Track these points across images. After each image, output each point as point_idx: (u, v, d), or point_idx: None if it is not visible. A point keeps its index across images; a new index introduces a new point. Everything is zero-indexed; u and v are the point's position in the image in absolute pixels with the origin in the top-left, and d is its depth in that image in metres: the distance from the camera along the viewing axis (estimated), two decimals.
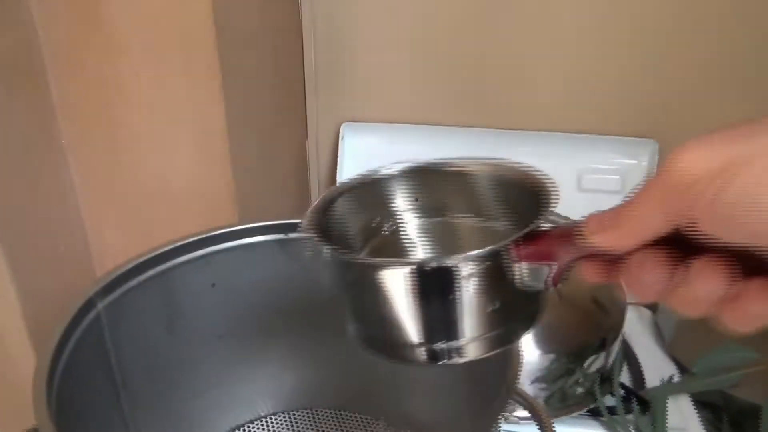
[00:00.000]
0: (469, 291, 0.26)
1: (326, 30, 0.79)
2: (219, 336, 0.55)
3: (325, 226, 0.32)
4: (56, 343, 0.41)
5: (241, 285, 0.54)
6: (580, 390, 0.68)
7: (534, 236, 0.27)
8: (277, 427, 0.62)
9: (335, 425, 0.62)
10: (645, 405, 0.65)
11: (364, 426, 0.62)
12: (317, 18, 0.78)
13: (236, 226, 0.53)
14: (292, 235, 0.54)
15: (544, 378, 0.71)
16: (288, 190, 0.83)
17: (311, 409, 0.63)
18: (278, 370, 0.60)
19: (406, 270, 0.27)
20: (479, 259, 0.26)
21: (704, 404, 0.69)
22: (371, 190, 0.35)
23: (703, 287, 0.21)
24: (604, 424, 0.64)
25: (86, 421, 0.44)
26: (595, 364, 0.66)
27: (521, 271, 0.27)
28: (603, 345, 0.65)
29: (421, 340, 0.28)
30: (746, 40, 0.72)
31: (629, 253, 0.23)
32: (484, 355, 0.28)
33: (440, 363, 0.28)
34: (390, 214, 0.36)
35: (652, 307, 0.82)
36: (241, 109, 0.64)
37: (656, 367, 0.71)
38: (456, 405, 0.50)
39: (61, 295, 0.62)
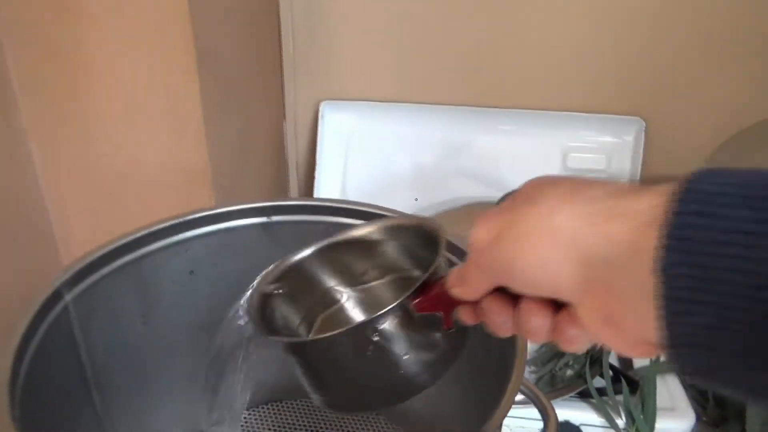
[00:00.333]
0: (381, 347, 0.31)
1: (304, 5, 0.75)
2: (197, 326, 0.52)
3: (269, 316, 0.37)
4: (20, 340, 0.37)
5: (222, 272, 0.51)
6: (569, 372, 0.67)
7: (425, 289, 0.31)
8: (261, 420, 0.60)
9: (320, 417, 0.60)
10: (634, 385, 0.64)
11: (358, 417, 0.60)
12: None
13: (215, 209, 0.50)
14: (275, 218, 0.51)
15: (534, 361, 0.69)
16: (265, 172, 0.80)
17: (297, 400, 0.61)
18: (262, 361, 0.57)
19: (329, 339, 0.31)
20: (378, 319, 0.30)
21: (691, 383, 0.68)
22: (297, 276, 0.40)
23: (533, 323, 0.26)
24: (594, 406, 0.63)
25: (56, 423, 0.41)
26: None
27: (419, 321, 0.31)
28: None
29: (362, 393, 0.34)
30: (732, 18, 0.71)
31: (480, 301, 0.28)
32: (412, 396, 0.33)
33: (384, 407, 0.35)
34: (322, 293, 0.41)
35: None
36: (217, 87, 0.60)
37: None
38: (456, 400, 0.48)
39: (22, 286, 0.58)
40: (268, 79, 0.78)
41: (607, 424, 0.62)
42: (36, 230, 0.61)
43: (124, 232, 0.46)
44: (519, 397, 0.53)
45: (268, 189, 0.81)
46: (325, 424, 0.59)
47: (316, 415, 0.60)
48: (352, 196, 0.82)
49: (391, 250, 0.39)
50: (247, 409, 0.60)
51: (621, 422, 0.62)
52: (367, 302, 0.41)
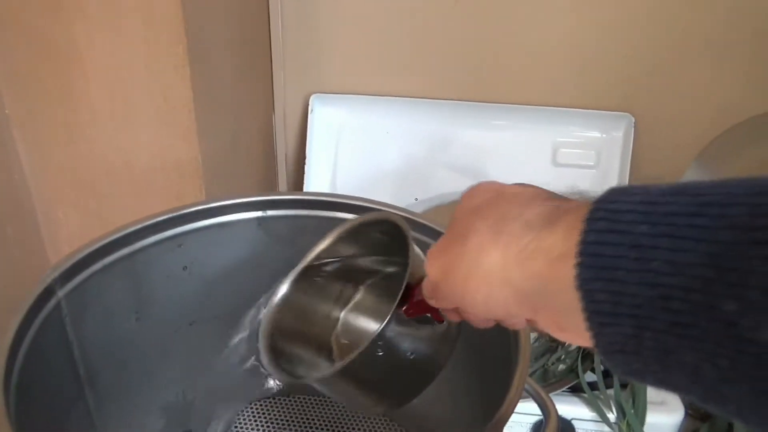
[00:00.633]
0: (389, 353, 0.33)
1: None
2: (190, 323, 0.51)
3: (286, 359, 0.39)
4: (12, 338, 0.36)
5: (216, 267, 0.50)
6: (561, 367, 0.67)
7: (409, 293, 0.32)
8: (255, 417, 0.59)
9: (318, 413, 0.59)
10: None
11: (359, 417, 0.59)
12: None
13: (209, 203, 0.49)
14: (270, 213, 0.50)
15: None
16: (255, 165, 0.79)
17: (290, 397, 0.60)
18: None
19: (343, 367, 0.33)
20: (379, 336, 0.32)
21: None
22: (290, 316, 0.40)
23: (506, 323, 0.28)
24: (586, 400, 0.64)
25: (49, 421, 0.40)
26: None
27: (414, 321, 0.33)
28: None
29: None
30: (721, 16, 0.71)
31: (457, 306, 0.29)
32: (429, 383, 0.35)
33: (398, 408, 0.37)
34: (322, 319, 0.42)
35: None
36: (208, 80, 0.59)
37: None
38: (459, 399, 0.48)
39: (9, 285, 0.56)
40: (257, 72, 0.76)
41: (598, 418, 0.63)
42: (23, 228, 0.60)
43: (114, 228, 0.45)
44: None
45: (257, 183, 0.80)
46: (325, 421, 0.59)
47: (313, 412, 0.60)
48: (342, 190, 0.81)
49: (360, 253, 0.40)
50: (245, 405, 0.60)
51: (612, 416, 0.63)
52: (363, 312, 0.42)
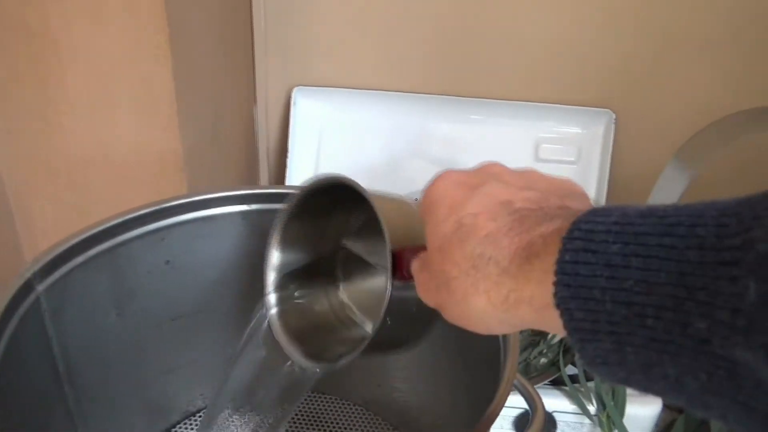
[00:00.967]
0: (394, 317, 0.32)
1: None
2: (173, 318, 0.50)
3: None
4: None
5: (199, 262, 0.49)
6: (543, 361, 0.68)
7: (398, 263, 0.31)
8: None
9: (304, 409, 0.59)
10: None
11: (339, 408, 0.59)
12: None
13: (192, 196, 0.48)
14: (254, 207, 0.49)
15: None
16: (236, 158, 0.78)
17: None
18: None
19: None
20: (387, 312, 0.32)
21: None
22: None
23: None
24: (567, 393, 0.64)
25: (27, 421, 0.39)
26: (557, 335, 0.65)
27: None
28: None
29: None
30: (702, 13, 0.72)
31: None
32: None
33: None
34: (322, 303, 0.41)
35: None
36: (189, 67, 0.58)
37: None
38: (448, 395, 0.48)
39: None
40: (239, 63, 0.75)
41: (579, 411, 0.64)
42: None
43: (95, 221, 0.44)
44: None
45: (239, 176, 0.79)
46: (312, 416, 0.58)
47: (299, 407, 0.59)
48: None
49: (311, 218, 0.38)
50: None
51: (592, 408, 0.63)
52: (357, 287, 0.41)
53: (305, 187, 0.36)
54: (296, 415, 0.58)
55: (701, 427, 0.65)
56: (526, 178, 0.28)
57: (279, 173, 0.83)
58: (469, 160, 0.81)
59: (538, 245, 0.23)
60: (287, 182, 0.80)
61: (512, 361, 0.36)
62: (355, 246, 0.40)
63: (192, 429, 0.56)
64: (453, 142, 0.82)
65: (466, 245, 0.25)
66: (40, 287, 0.39)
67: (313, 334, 0.39)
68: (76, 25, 0.51)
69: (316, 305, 0.40)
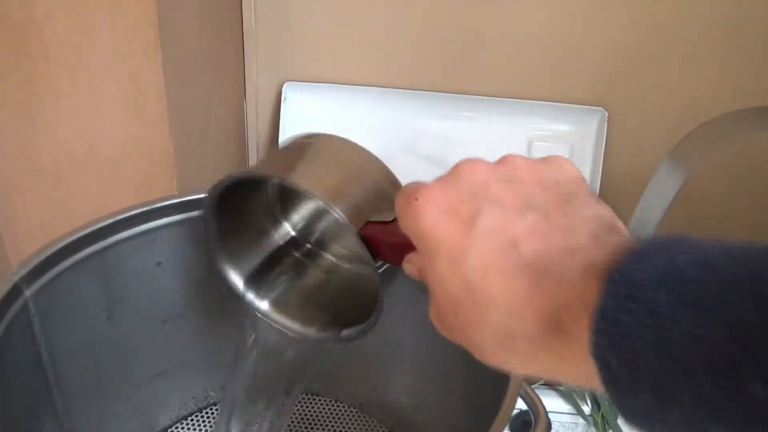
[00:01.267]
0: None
1: None
2: (164, 320, 0.49)
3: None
4: None
5: (191, 263, 0.48)
6: None
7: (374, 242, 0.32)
8: None
9: (296, 410, 0.58)
10: None
11: (335, 410, 0.58)
12: None
13: (184, 197, 0.47)
14: None
15: None
16: (226, 155, 0.76)
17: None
18: (230, 354, 0.54)
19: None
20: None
21: None
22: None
23: None
24: (562, 394, 0.64)
25: (15, 428, 0.37)
26: None
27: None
28: None
29: None
30: (694, 11, 0.72)
31: None
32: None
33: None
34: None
35: None
36: (179, 64, 0.57)
37: None
38: (452, 404, 0.47)
39: None
40: (229, 58, 0.74)
41: (574, 411, 0.63)
42: None
43: (86, 223, 0.43)
44: None
45: (228, 173, 0.77)
46: (306, 418, 0.58)
47: (305, 411, 0.58)
48: None
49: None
50: (214, 404, 0.58)
51: (587, 409, 0.63)
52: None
53: (205, 205, 0.36)
54: (292, 417, 0.57)
55: None
56: (518, 187, 0.25)
57: None
58: (461, 157, 0.81)
59: (566, 320, 0.21)
60: None
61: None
62: (312, 228, 0.40)
63: None
64: (445, 138, 0.81)
65: (486, 317, 0.23)
66: (28, 292, 0.38)
67: (332, 302, 0.39)
68: (61, 17, 0.50)
69: (310, 280, 0.40)
